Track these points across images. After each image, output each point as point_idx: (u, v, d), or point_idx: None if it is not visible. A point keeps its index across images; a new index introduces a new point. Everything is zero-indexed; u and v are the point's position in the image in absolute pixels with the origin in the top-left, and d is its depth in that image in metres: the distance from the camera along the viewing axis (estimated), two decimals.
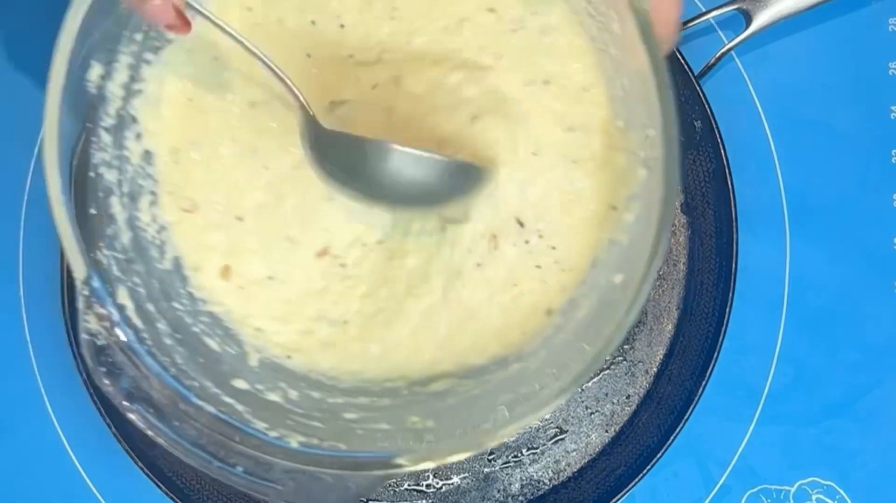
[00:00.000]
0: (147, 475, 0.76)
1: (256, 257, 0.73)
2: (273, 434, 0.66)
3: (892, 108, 0.84)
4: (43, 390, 0.81)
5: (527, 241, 0.72)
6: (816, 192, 0.84)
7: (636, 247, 0.63)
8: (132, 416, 0.63)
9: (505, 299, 0.72)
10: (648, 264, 0.61)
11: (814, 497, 0.80)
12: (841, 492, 0.81)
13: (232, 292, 0.73)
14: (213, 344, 0.71)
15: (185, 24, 0.54)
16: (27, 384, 0.81)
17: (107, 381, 0.63)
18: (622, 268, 0.64)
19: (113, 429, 0.76)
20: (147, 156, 0.71)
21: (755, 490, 0.81)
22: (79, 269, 0.63)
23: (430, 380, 0.71)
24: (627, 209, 0.66)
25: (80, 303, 0.63)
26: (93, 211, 0.66)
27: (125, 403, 0.63)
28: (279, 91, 0.72)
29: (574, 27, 0.70)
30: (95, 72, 0.66)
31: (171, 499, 0.76)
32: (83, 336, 0.63)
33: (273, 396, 0.69)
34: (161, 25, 0.54)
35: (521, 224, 0.72)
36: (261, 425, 0.66)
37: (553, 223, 0.71)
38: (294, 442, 0.65)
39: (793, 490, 0.81)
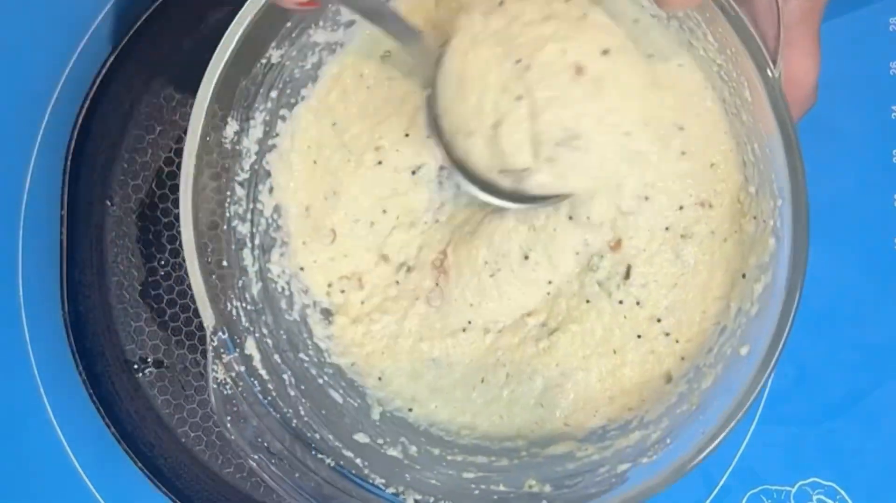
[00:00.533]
0: (147, 475, 0.77)
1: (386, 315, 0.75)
2: (390, 490, 0.66)
3: (893, 107, 0.83)
4: (43, 390, 0.82)
5: (621, 302, 0.71)
6: (817, 192, 0.80)
7: (762, 318, 0.62)
8: (254, 465, 0.65)
9: (603, 365, 0.71)
10: (775, 340, 0.60)
11: (815, 498, 0.80)
12: (842, 492, 0.80)
13: (359, 335, 0.75)
14: (336, 396, 0.72)
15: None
16: (27, 384, 0.82)
17: (232, 430, 0.65)
18: (749, 339, 0.63)
19: (112, 429, 0.77)
20: (278, 209, 0.73)
21: (756, 491, 0.80)
22: (209, 320, 0.65)
23: (549, 441, 0.71)
24: (757, 278, 0.64)
25: (210, 353, 0.65)
26: (225, 263, 0.68)
27: (248, 452, 0.65)
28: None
29: (707, 91, 0.68)
30: (231, 128, 0.68)
31: (171, 499, 0.77)
32: (212, 386, 0.65)
33: (393, 451, 0.70)
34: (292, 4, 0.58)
35: (620, 303, 0.71)
36: (379, 481, 0.67)
37: (655, 295, 0.70)
38: (410, 499, 0.66)
39: (793, 491, 0.80)
